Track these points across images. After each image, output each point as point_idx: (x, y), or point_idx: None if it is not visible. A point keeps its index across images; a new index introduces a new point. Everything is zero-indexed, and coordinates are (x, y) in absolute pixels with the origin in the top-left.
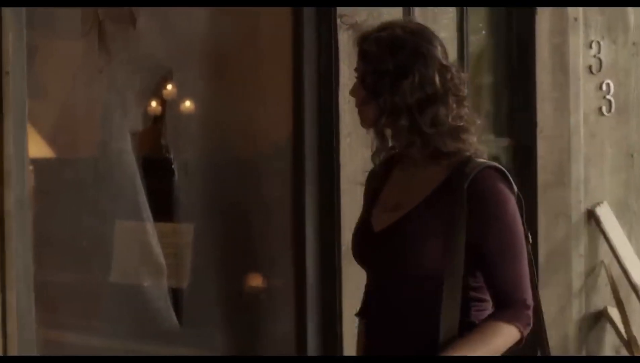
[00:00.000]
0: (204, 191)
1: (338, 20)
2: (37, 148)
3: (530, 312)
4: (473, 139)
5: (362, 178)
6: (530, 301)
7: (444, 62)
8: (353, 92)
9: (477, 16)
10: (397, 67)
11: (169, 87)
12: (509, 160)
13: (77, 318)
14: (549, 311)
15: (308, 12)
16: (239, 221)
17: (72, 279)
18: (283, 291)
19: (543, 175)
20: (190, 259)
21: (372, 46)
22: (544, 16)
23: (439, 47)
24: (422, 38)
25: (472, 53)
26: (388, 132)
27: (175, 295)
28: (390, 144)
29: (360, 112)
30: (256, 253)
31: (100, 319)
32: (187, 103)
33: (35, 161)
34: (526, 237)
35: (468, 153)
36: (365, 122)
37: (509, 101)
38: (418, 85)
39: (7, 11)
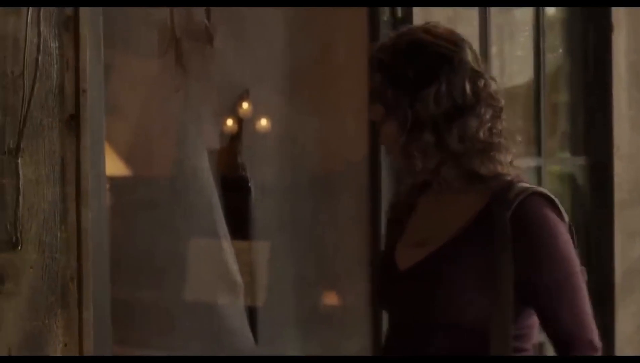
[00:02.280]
0: (280, 209)
1: None
2: (114, 166)
3: (599, 354)
4: (510, 159)
5: None
6: (598, 341)
7: (476, 67)
8: (372, 114)
9: (554, 34)
10: (419, 73)
11: (246, 105)
12: (585, 178)
13: (153, 336)
14: (625, 331)
15: (385, 29)
16: (314, 239)
17: (149, 297)
18: (359, 309)
19: (619, 194)
20: (267, 277)
21: (387, 54)
22: (620, 34)
23: (469, 51)
24: (448, 40)
25: (549, 71)
26: (414, 153)
27: (251, 312)
28: (418, 167)
29: (379, 133)
30: (332, 271)
31: (176, 337)
32: (264, 121)
33: (112, 179)
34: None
35: (509, 177)
36: (385, 143)
37: (585, 119)
38: (445, 93)
39: (85, 29)
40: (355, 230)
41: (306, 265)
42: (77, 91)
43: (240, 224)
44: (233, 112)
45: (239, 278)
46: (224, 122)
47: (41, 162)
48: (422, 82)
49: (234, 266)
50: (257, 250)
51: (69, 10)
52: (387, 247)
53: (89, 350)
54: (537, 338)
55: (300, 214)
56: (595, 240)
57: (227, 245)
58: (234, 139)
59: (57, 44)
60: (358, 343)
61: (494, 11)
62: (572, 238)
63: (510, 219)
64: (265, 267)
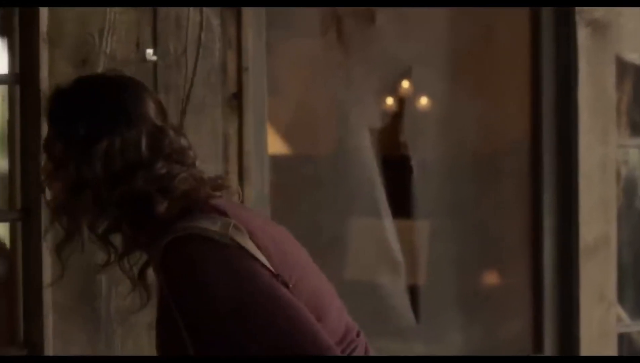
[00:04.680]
0: (440, 188)
1: (577, 17)
2: (276, 144)
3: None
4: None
5: (600, 175)
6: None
7: (158, 122)
8: (42, 169)
9: None
10: (91, 129)
11: (408, 84)
12: None
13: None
14: None
15: (546, 9)
16: (475, 219)
17: None
18: (519, 290)
19: None
20: (427, 256)
21: (59, 105)
22: None
23: (152, 105)
24: (128, 93)
25: None
26: (78, 216)
27: (412, 292)
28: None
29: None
30: (492, 251)
31: None
32: (425, 101)
33: (274, 157)
34: (278, 279)
35: (172, 225)
36: (48, 204)
37: None
38: (118, 151)
39: (248, 10)
40: (516, 211)
41: (467, 245)
42: (240, 70)
43: (401, 203)
44: (394, 91)
45: (400, 257)
46: (385, 101)
47: (204, 139)
48: (92, 140)
49: (396, 245)
50: (418, 229)
51: None
52: None
53: None
54: None
55: (462, 194)
56: None
57: (389, 224)
58: (395, 118)
59: (219, 22)
60: (518, 325)
61: None
62: (247, 253)
63: (161, 272)
64: (426, 247)
